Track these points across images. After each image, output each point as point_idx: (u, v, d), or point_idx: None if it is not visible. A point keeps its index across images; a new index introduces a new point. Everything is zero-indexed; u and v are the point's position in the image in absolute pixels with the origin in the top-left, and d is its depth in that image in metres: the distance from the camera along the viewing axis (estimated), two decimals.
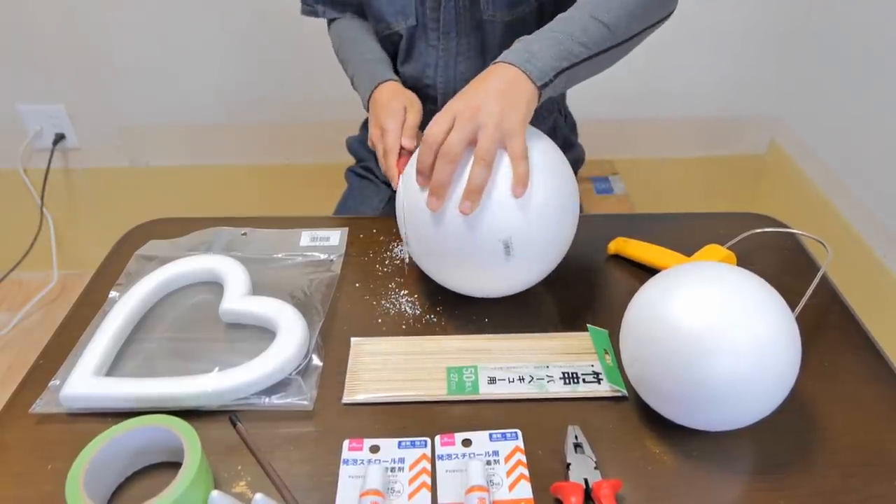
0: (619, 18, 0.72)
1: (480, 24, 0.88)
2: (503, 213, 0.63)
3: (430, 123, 0.65)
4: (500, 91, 0.65)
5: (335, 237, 0.83)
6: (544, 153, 0.67)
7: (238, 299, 0.72)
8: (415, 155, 0.69)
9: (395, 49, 0.94)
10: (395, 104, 0.82)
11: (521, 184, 0.62)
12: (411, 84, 0.93)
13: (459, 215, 0.63)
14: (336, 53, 1.00)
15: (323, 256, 0.80)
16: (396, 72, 0.94)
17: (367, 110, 0.88)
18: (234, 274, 0.74)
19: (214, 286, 0.76)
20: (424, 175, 0.65)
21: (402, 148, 0.78)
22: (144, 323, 0.72)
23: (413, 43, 0.91)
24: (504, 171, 0.63)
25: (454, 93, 0.91)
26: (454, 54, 0.90)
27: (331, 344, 0.69)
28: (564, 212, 0.67)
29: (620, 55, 0.75)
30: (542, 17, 0.90)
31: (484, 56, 0.91)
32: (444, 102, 0.92)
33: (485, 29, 0.88)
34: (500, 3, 0.86)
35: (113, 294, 0.74)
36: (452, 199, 0.63)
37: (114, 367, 0.66)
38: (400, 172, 0.76)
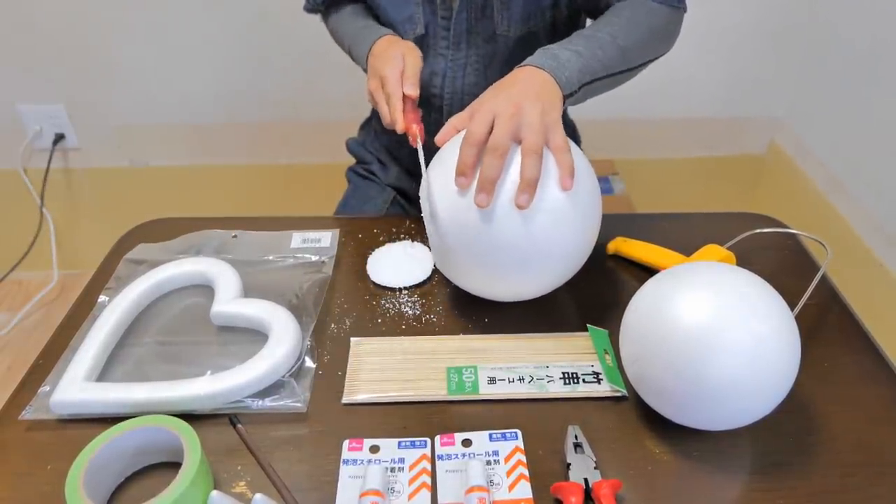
0: (633, 45, 0.75)
1: (492, 37, 0.87)
2: (534, 216, 0.62)
3: (471, 123, 0.64)
4: (536, 91, 0.65)
5: (326, 238, 0.83)
6: (575, 155, 0.66)
7: (229, 302, 0.71)
8: (440, 161, 0.68)
9: None
10: (393, 51, 0.80)
11: (569, 174, 0.63)
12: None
13: (490, 218, 0.62)
14: (333, 35, 0.98)
15: (314, 258, 0.80)
16: None
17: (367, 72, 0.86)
18: (224, 276, 0.74)
19: (205, 289, 0.75)
20: (467, 175, 0.62)
21: (405, 100, 0.77)
22: (135, 327, 0.71)
23: (421, 50, 0.89)
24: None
25: (460, 103, 0.91)
26: (463, 65, 0.89)
27: (330, 344, 0.69)
28: (590, 214, 0.67)
29: (621, 82, 0.77)
30: (554, 32, 0.90)
31: (492, 69, 0.90)
32: (450, 112, 0.91)
33: (496, 42, 0.88)
34: (515, 17, 0.85)
35: (102, 298, 0.74)
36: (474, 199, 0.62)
37: (104, 372, 0.66)
38: (407, 125, 0.75)
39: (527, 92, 0.65)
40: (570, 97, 0.69)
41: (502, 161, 0.61)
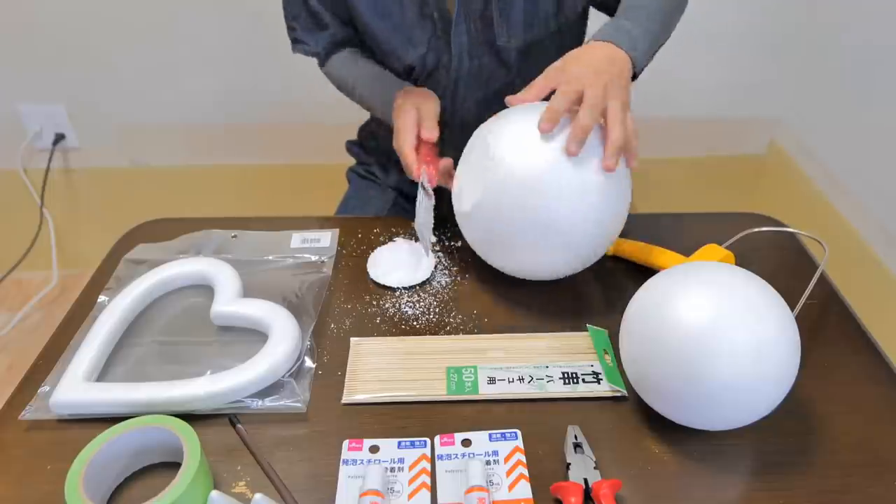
0: (670, 9, 0.78)
1: (493, 49, 0.86)
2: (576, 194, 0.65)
3: (564, 85, 0.66)
4: (620, 72, 0.68)
5: (326, 238, 0.83)
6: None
7: (229, 302, 0.71)
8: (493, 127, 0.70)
9: (406, 78, 0.92)
10: (408, 104, 0.82)
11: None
12: None
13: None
14: (336, 81, 0.97)
15: (314, 258, 0.80)
16: None
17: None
18: (224, 276, 0.74)
19: (205, 289, 0.75)
20: (553, 121, 0.65)
21: (424, 143, 0.79)
22: (135, 327, 0.71)
23: (424, 68, 0.89)
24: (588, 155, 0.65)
25: (461, 119, 0.91)
26: (465, 79, 0.88)
27: (330, 344, 0.69)
28: (626, 203, 0.70)
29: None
30: (561, 40, 0.89)
31: (496, 82, 0.89)
32: (451, 129, 0.89)
33: (499, 54, 0.87)
34: (515, 27, 0.84)
35: (102, 298, 0.74)
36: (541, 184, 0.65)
37: (104, 372, 0.66)
38: (419, 164, 0.78)
39: (615, 73, 0.67)
40: (634, 77, 0.72)
41: (599, 117, 0.64)
